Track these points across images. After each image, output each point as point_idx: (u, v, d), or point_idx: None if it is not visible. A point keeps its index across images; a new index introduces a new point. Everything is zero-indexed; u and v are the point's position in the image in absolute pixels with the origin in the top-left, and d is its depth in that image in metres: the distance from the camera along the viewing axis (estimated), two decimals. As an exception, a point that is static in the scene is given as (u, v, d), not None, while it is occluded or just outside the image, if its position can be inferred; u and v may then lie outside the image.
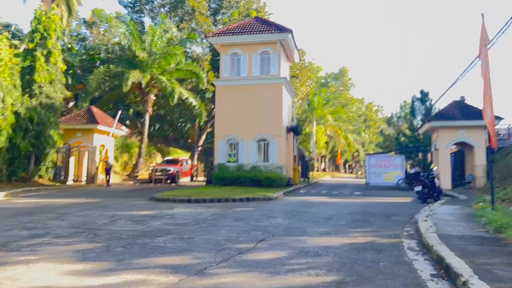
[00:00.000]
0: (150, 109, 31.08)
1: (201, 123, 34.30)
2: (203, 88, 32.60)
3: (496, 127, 19.52)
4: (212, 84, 28.37)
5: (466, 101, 24.29)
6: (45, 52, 21.57)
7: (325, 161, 71.78)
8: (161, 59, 28.92)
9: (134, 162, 31.81)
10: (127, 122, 36.44)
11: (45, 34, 21.67)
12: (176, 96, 28.47)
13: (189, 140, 43.04)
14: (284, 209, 11.95)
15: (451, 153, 23.94)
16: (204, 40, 33.59)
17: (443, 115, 22.45)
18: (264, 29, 22.36)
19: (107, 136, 25.50)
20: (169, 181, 26.59)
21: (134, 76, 27.02)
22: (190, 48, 35.80)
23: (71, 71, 31.78)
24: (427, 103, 31.78)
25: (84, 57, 33.92)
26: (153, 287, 4.35)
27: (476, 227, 7.84)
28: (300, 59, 29.84)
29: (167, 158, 33.94)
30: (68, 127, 24.51)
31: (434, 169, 16.27)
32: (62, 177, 23.15)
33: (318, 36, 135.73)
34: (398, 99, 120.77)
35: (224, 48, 22.96)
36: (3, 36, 18.17)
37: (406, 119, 34.85)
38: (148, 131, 33.11)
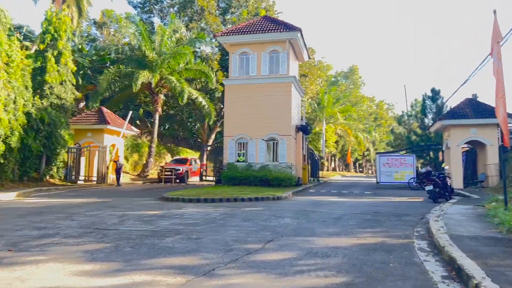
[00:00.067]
0: (159, 109, 31.24)
1: (211, 123, 34.35)
2: (213, 88, 32.70)
3: (509, 125, 19.20)
4: (221, 84, 28.43)
5: (478, 99, 23.94)
6: (55, 53, 21.75)
7: (335, 160, 71.46)
8: (171, 59, 29.02)
9: (144, 162, 31.99)
10: (137, 122, 36.67)
11: (55, 35, 21.85)
12: (185, 96, 28.55)
13: (199, 140, 43.17)
14: (293, 209, 11.89)
15: (463, 152, 23.64)
16: (213, 40, 33.64)
17: (455, 113, 22.17)
18: (273, 28, 22.30)
19: (117, 136, 25.66)
20: (178, 181, 26.67)
21: (144, 76, 27.16)
22: (199, 48, 35.91)
23: (81, 72, 32.06)
24: (439, 101, 31.38)
25: (94, 57, 34.18)
26: (160, 288, 4.34)
27: (488, 227, 7.71)
28: (310, 58, 29.70)
29: (176, 157, 34.08)
30: (78, 127, 24.74)
31: (445, 168, 16.08)
32: (73, 177, 23.35)
33: (327, 35, 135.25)
34: (409, 98, 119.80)
35: (233, 48, 22.96)
36: (14, 37, 18.35)
37: (417, 118, 34.44)
38: (158, 131, 33.30)
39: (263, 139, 21.80)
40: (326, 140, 43.17)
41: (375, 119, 76.89)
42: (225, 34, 23.01)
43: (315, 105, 48.04)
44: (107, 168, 24.78)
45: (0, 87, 16.21)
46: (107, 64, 32.83)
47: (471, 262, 4.88)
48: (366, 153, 73.06)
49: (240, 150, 22.20)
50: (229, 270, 5.06)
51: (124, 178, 26.52)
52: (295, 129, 23.15)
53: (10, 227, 8.23)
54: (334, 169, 68.15)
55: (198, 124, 40.30)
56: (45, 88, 21.14)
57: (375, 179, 25.68)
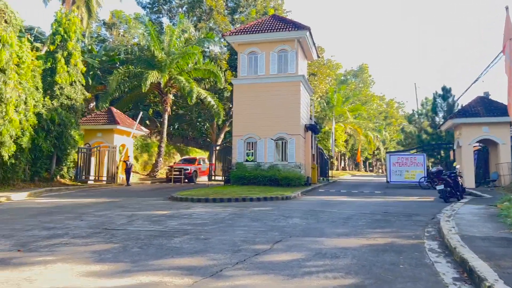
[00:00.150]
0: (169, 109, 31.35)
1: (220, 122, 34.39)
2: (221, 87, 32.71)
3: (522, 123, 18.93)
4: (230, 83, 28.42)
5: (490, 97, 23.60)
6: (65, 54, 21.96)
7: (344, 160, 71.16)
8: (180, 59, 29.10)
9: (153, 162, 32.13)
10: (147, 122, 36.85)
11: (65, 36, 22.05)
12: (194, 96, 28.62)
13: (208, 139, 43.26)
14: (302, 208, 11.82)
15: (475, 151, 23.32)
16: (222, 39, 33.66)
17: (466, 111, 21.88)
18: (281, 27, 22.22)
19: (127, 136, 25.79)
20: (186, 181, 26.73)
21: (153, 77, 27.29)
22: (208, 48, 35.96)
23: (91, 72, 32.32)
24: (450, 100, 31.02)
25: (104, 58, 34.41)
26: (168, 290, 4.32)
27: (501, 228, 7.56)
28: (319, 57, 29.59)
29: (184, 157, 34.17)
30: (88, 128, 24.93)
31: (457, 167, 15.86)
32: (83, 177, 23.53)
33: (336, 33, 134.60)
34: (419, 96, 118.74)
35: (241, 47, 22.93)
36: (25, 39, 18.53)
37: (428, 116, 34.05)
38: (167, 131, 33.42)
39: (271, 139, 21.74)
40: (335, 139, 43.01)
41: (385, 118, 76.35)
42: (234, 34, 22.99)
43: (325, 104, 47.87)
44: (117, 168, 24.93)
45: (11, 88, 16.38)
46: (117, 65, 33.04)
47: (483, 263, 4.78)
48: (376, 152, 72.65)
49: (249, 150, 22.16)
50: (237, 271, 5.02)
51: (134, 178, 26.67)
52: (304, 129, 23.05)
53: (21, 227, 8.30)
54: (343, 169, 67.86)
55: (207, 124, 40.41)
56: (55, 88, 21.35)
57: (385, 179, 25.47)
